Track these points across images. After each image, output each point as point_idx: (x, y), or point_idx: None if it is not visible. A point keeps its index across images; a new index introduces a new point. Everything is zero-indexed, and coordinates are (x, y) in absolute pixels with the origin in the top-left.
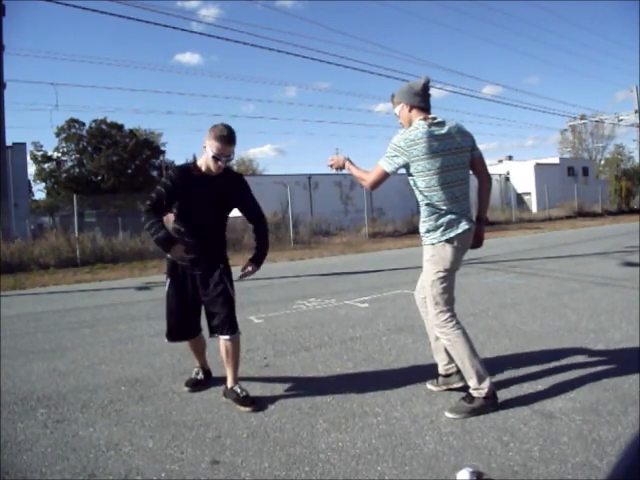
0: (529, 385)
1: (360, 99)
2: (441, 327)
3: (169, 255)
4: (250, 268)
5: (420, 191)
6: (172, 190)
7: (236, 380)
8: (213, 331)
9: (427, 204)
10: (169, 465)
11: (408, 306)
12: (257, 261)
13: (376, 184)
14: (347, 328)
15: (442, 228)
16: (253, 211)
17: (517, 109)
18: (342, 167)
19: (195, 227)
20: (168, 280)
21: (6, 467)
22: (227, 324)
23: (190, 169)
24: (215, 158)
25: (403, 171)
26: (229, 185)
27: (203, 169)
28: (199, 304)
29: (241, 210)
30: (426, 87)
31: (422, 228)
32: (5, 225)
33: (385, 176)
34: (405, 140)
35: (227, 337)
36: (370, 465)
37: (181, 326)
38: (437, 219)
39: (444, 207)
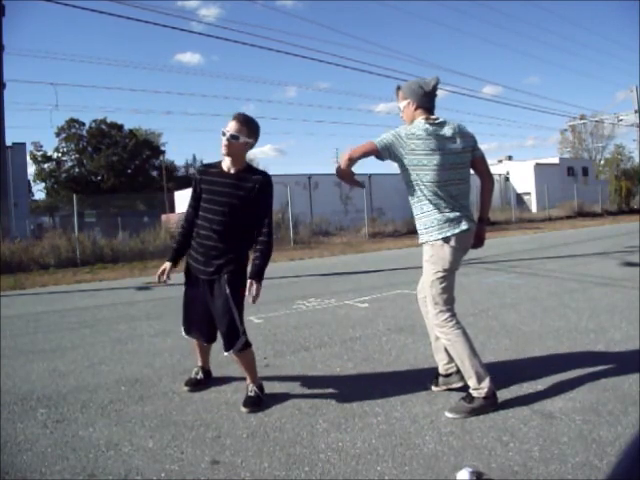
0: (529, 385)
1: (360, 99)
2: (441, 327)
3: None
4: (255, 287)
5: (412, 186)
6: (198, 190)
7: (253, 380)
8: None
9: (420, 201)
10: (169, 465)
11: (408, 306)
12: (254, 275)
13: (358, 155)
14: (347, 328)
15: (438, 226)
16: (259, 221)
17: (517, 109)
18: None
19: (206, 227)
20: (185, 282)
21: (6, 467)
22: (224, 339)
23: (211, 166)
24: (223, 134)
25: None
26: (251, 186)
27: (224, 167)
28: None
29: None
30: (435, 88)
31: (418, 225)
32: (5, 225)
33: (372, 150)
34: (405, 130)
35: (225, 354)
36: (370, 465)
37: (191, 324)
38: (432, 216)
39: (440, 205)
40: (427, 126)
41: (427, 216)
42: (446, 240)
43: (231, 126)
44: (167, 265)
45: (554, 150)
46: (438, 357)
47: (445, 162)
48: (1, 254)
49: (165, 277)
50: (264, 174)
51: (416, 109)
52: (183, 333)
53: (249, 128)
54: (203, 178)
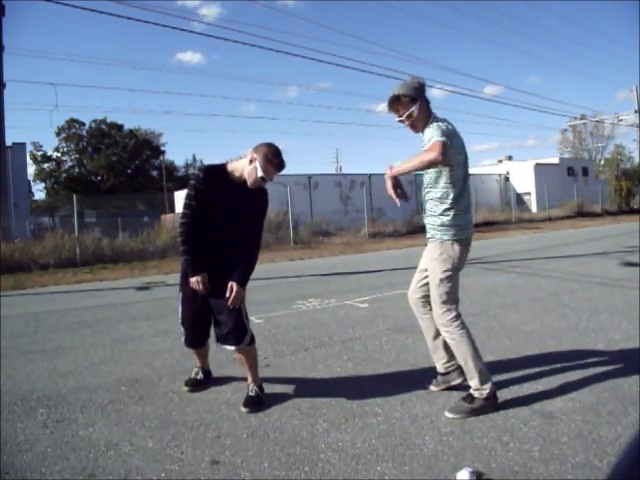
0: (529, 385)
1: (360, 99)
2: (446, 326)
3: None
4: (235, 289)
5: (453, 184)
6: (202, 193)
7: (254, 379)
8: (219, 340)
9: (453, 197)
10: (169, 465)
11: (408, 306)
12: (238, 279)
13: (444, 155)
14: (347, 328)
15: (460, 227)
16: (252, 229)
17: (518, 109)
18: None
19: (218, 231)
20: (181, 287)
21: (6, 467)
22: (233, 335)
23: (220, 172)
24: (263, 179)
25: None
26: (252, 195)
27: (236, 175)
28: (210, 312)
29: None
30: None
31: (437, 221)
32: (5, 225)
33: (448, 148)
34: (448, 129)
35: (232, 348)
36: (370, 465)
37: (192, 334)
38: (457, 215)
39: (465, 203)
40: (447, 122)
41: (463, 213)
42: (460, 241)
43: (274, 175)
44: (199, 277)
45: (554, 150)
46: (436, 357)
47: (466, 161)
48: (1, 254)
49: (207, 286)
50: (263, 189)
51: (427, 104)
52: (183, 343)
53: (256, 150)
54: (211, 182)
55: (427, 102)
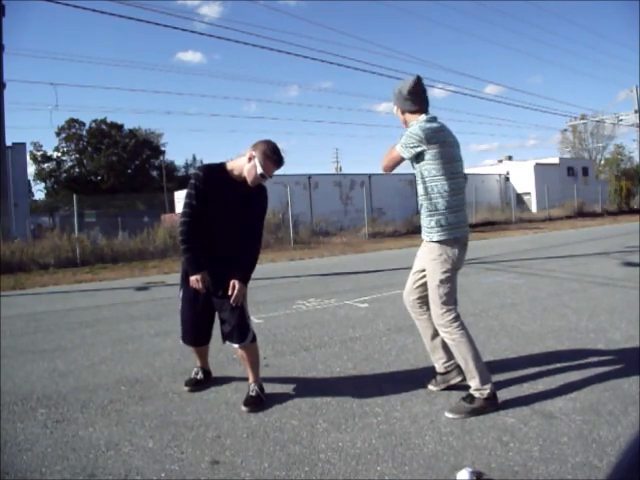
0: (529, 385)
1: (361, 99)
2: (446, 327)
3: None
4: (237, 287)
5: (431, 180)
6: (202, 192)
7: (255, 378)
8: (224, 337)
9: (439, 197)
10: (169, 465)
11: None
12: (240, 277)
13: (391, 168)
14: (347, 328)
15: (455, 225)
16: (253, 227)
17: (518, 109)
18: None
19: (219, 230)
20: (182, 286)
21: (6, 467)
22: (236, 332)
23: (220, 170)
24: (262, 176)
25: (405, 171)
26: (252, 193)
27: (235, 173)
28: (212, 311)
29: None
30: (416, 88)
31: (431, 222)
32: (5, 225)
33: (400, 161)
34: (422, 129)
35: (236, 345)
36: (370, 465)
37: (193, 332)
38: (452, 214)
39: (455, 200)
40: (430, 120)
41: (457, 212)
42: (457, 239)
43: (273, 171)
44: (199, 276)
45: (554, 150)
46: (435, 357)
47: (457, 155)
48: (1, 254)
49: (206, 285)
50: (262, 186)
51: (403, 113)
52: (181, 341)
53: (254, 147)
54: (215, 183)
55: (407, 110)
